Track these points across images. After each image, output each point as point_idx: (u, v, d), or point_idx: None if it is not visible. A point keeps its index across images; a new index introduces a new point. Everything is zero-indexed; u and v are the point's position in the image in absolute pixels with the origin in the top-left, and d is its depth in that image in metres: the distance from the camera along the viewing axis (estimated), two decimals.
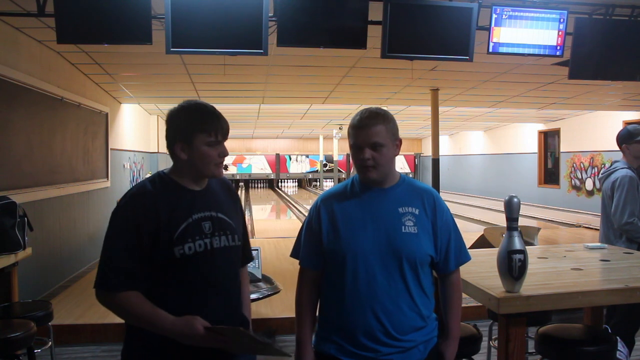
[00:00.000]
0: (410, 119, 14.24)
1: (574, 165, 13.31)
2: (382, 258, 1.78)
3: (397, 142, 1.85)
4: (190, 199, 1.71)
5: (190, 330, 1.56)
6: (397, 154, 1.87)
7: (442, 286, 1.94)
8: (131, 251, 1.60)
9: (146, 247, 1.61)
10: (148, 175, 11.57)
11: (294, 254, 1.97)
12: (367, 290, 1.78)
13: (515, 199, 2.22)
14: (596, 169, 12.49)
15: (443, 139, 20.73)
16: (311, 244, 1.90)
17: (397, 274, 1.79)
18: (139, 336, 1.67)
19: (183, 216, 1.67)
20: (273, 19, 3.89)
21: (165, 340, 1.60)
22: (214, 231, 1.71)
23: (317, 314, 1.95)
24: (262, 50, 3.88)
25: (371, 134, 1.78)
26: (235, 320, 1.75)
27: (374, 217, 1.82)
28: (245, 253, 1.94)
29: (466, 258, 1.94)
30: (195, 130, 1.67)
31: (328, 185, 24.73)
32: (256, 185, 24.82)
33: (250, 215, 14.42)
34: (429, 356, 1.85)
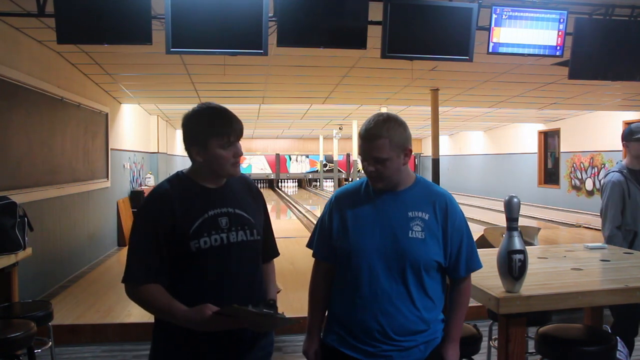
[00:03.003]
0: (410, 119, 14.18)
1: (574, 165, 13.32)
2: (386, 261, 1.79)
3: (405, 152, 1.81)
4: (207, 196, 1.78)
5: (200, 316, 1.62)
6: (406, 162, 1.84)
7: (451, 290, 1.94)
8: (150, 247, 1.70)
9: (164, 243, 1.70)
10: (148, 176, 11.54)
11: (309, 244, 2.02)
12: (369, 290, 1.80)
13: (515, 199, 2.22)
14: (596, 169, 12.50)
15: (443, 139, 20.72)
16: (323, 238, 1.94)
17: (400, 278, 1.80)
18: (165, 332, 1.75)
19: (199, 212, 1.74)
20: (273, 19, 3.89)
21: (189, 336, 1.68)
22: (231, 226, 1.78)
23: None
24: (262, 51, 3.88)
25: (373, 148, 1.77)
26: None
27: (383, 219, 1.83)
28: (269, 248, 2.00)
29: (477, 265, 1.92)
30: (209, 134, 1.73)
31: (328, 185, 24.76)
32: (256, 185, 24.79)
33: None
34: (429, 356, 1.85)
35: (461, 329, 1.95)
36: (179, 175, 1.82)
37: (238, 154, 1.78)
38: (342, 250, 1.86)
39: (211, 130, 1.73)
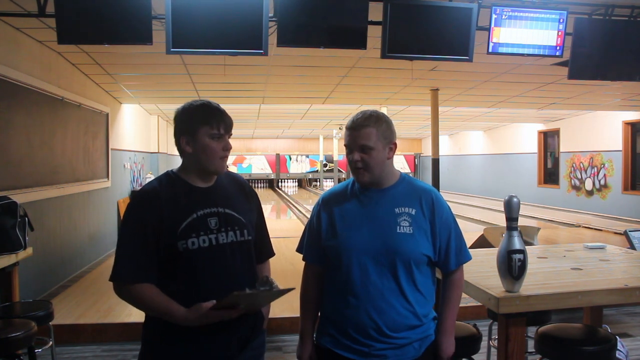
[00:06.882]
0: (410, 119, 14.23)
1: (574, 165, 13.32)
2: (376, 257, 1.81)
3: (390, 146, 1.85)
4: (196, 195, 1.76)
5: (198, 314, 1.63)
6: (391, 157, 1.87)
7: (443, 284, 1.95)
8: (140, 245, 1.68)
9: (152, 241, 1.68)
10: (149, 176, 11.54)
11: (299, 248, 2.04)
12: (361, 288, 1.81)
13: (515, 199, 2.22)
14: (596, 169, 12.50)
15: (443, 139, 20.72)
16: (313, 241, 1.96)
17: (390, 273, 1.81)
18: (156, 333, 1.74)
19: (187, 212, 1.72)
20: (273, 19, 3.89)
21: (181, 336, 1.68)
22: (221, 227, 1.76)
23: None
24: (262, 51, 3.88)
25: (360, 136, 1.81)
26: (249, 315, 1.78)
27: (371, 217, 1.85)
28: (263, 248, 1.99)
29: (467, 257, 1.95)
30: (199, 122, 1.73)
31: (328, 185, 24.73)
32: (256, 185, 24.82)
33: None
34: (424, 354, 1.86)
35: (455, 321, 1.96)
36: (168, 174, 1.81)
37: (227, 148, 1.77)
38: (331, 250, 1.87)
39: (202, 119, 1.73)
